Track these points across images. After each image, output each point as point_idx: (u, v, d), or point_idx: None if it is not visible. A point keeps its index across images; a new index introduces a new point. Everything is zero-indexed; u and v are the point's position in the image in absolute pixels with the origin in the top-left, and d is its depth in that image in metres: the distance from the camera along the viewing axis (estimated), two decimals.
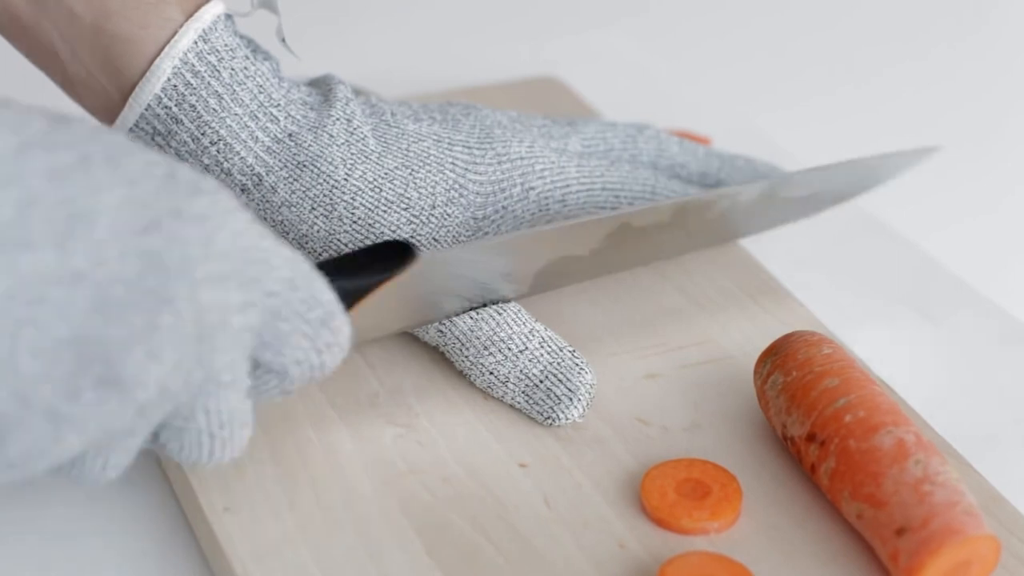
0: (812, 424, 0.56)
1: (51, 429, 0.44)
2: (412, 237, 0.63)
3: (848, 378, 0.56)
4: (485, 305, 0.62)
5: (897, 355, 0.67)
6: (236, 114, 0.62)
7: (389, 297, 0.56)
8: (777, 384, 0.58)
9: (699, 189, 0.71)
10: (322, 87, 0.66)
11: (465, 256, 0.60)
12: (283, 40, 0.66)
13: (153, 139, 0.62)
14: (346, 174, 0.63)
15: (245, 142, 0.62)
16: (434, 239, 0.63)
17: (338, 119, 0.64)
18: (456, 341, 0.62)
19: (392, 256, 0.56)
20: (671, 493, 0.56)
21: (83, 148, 0.46)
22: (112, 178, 0.46)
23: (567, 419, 0.60)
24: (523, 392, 0.61)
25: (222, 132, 0.62)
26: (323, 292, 0.52)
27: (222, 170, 0.62)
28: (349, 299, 0.55)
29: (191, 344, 0.47)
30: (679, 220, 0.65)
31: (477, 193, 0.65)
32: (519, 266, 0.62)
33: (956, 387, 0.66)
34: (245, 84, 0.62)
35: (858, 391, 0.56)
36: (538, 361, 0.61)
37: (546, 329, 0.62)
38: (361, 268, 0.56)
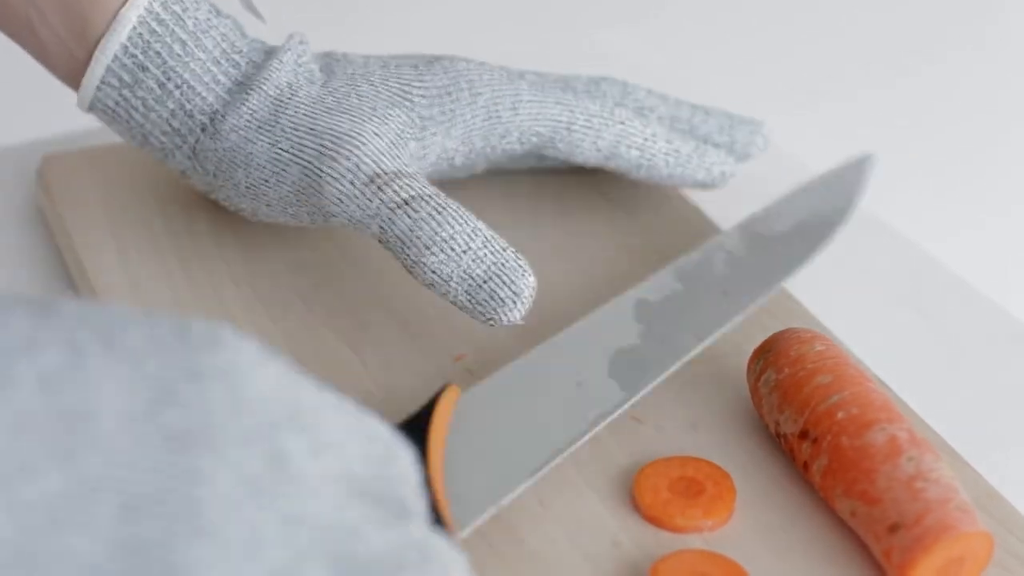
0: (805, 421, 0.55)
1: None
2: (351, 132, 0.63)
3: (841, 375, 0.56)
4: None
5: (896, 355, 0.67)
6: (199, 59, 0.64)
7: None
8: (770, 381, 0.58)
9: (666, 126, 0.71)
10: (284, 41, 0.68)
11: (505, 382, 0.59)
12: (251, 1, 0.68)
13: (120, 92, 0.64)
14: (291, 94, 0.65)
15: (208, 84, 0.65)
16: (375, 134, 0.64)
17: (288, 50, 0.66)
18: (397, 239, 0.61)
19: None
20: (664, 491, 0.56)
21: (72, 338, 0.41)
22: (108, 363, 0.41)
23: (509, 321, 0.60)
24: (466, 292, 0.60)
25: (186, 76, 0.64)
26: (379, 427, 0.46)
27: (184, 112, 0.65)
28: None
29: (246, 505, 0.40)
30: (690, 287, 0.65)
31: (422, 97, 0.66)
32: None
33: (955, 386, 0.66)
34: (208, 32, 0.65)
35: (851, 388, 0.55)
36: (481, 261, 0.60)
37: (488, 228, 0.62)
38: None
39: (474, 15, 1.05)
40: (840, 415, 0.55)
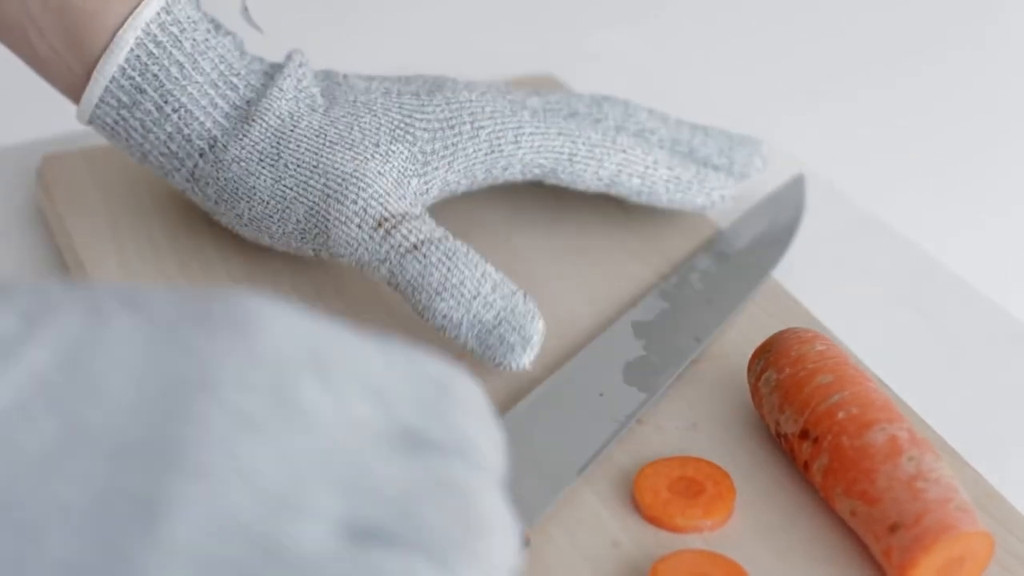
0: (805, 421, 0.55)
1: None
2: (355, 173, 0.63)
3: (841, 375, 0.56)
4: None
5: (896, 355, 0.67)
6: (197, 82, 0.64)
7: None
8: (770, 381, 0.58)
9: (667, 151, 0.72)
10: (284, 61, 0.67)
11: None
12: (245, 9, 0.67)
13: (119, 112, 0.64)
14: (292, 125, 0.64)
15: (205, 108, 0.64)
16: (379, 173, 0.63)
17: (288, 76, 0.65)
18: (408, 284, 0.61)
19: None
20: (664, 491, 0.56)
21: (96, 305, 0.41)
22: (129, 321, 0.40)
23: (518, 367, 0.60)
24: (476, 337, 0.61)
25: (183, 99, 0.64)
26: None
27: (182, 136, 0.64)
28: None
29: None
30: (676, 312, 0.66)
31: (424, 130, 0.66)
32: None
33: (955, 387, 0.66)
34: (206, 54, 0.64)
35: (851, 388, 0.55)
36: (491, 306, 0.61)
37: (497, 271, 0.62)
38: None
39: (473, 16, 1.05)
40: (840, 415, 0.55)
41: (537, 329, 0.61)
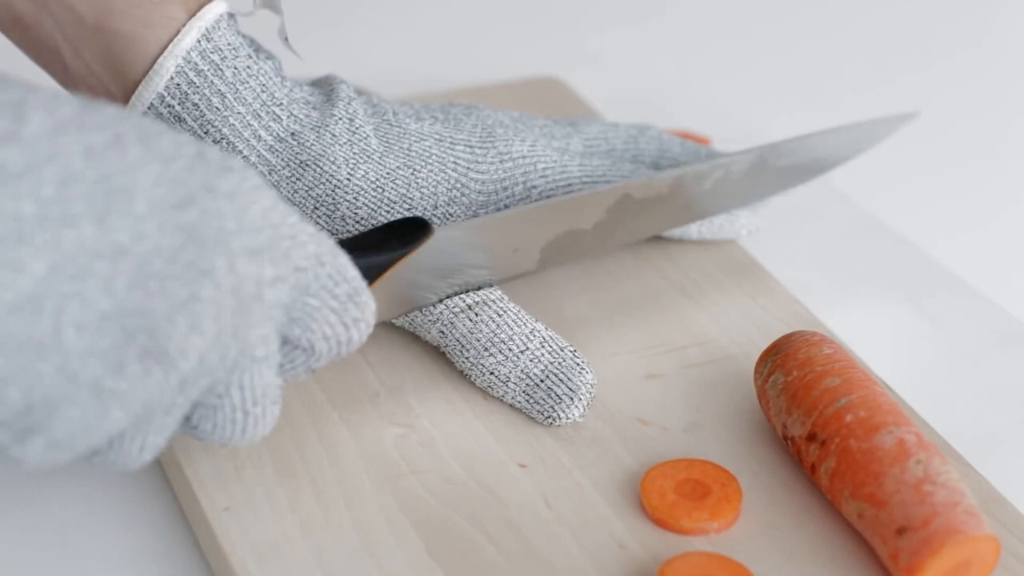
0: (813, 424, 0.56)
1: (97, 404, 0.45)
2: None
3: (849, 378, 0.56)
4: (491, 286, 0.63)
5: (897, 355, 0.67)
6: (239, 112, 0.62)
7: (406, 272, 0.58)
8: (778, 384, 0.58)
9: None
10: (324, 87, 0.66)
11: (476, 229, 0.61)
12: (286, 39, 0.66)
13: None
14: (348, 174, 0.63)
15: (248, 141, 0.62)
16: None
17: (340, 118, 0.64)
18: (457, 342, 0.62)
19: (408, 233, 0.58)
20: (671, 493, 0.56)
21: (115, 128, 0.46)
22: (145, 156, 0.46)
23: (568, 419, 0.60)
24: (524, 392, 0.61)
25: (225, 131, 0.62)
26: (348, 268, 0.53)
27: None
28: (370, 276, 0.56)
29: (229, 316, 0.48)
30: (677, 191, 0.66)
31: (479, 192, 0.65)
32: (527, 240, 0.63)
33: (957, 388, 0.66)
34: (248, 83, 0.62)
35: (859, 391, 0.56)
36: (539, 361, 0.61)
37: (547, 329, 0.62)
38: (378, 246, 0.58)
39: (474, 17, 1.05)
40: (848, 418, 0.55)
41: (585, 381, 0.60)
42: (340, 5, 1.02)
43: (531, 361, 0.61)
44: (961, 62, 1.14)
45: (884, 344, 0.67)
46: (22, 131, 0.44)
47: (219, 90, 0.62)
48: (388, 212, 0.63)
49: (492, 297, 0.62)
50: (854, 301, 0.71)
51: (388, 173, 0.64)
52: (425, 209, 0.64)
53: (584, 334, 0.65)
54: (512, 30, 1.02)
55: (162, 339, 0.45)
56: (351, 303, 0.53)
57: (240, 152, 0.62)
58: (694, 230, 0.71)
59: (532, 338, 0.62)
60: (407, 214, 0.63)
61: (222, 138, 0.62)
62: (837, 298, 0.70)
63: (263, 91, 0.63)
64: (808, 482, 0.57)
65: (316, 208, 0.63)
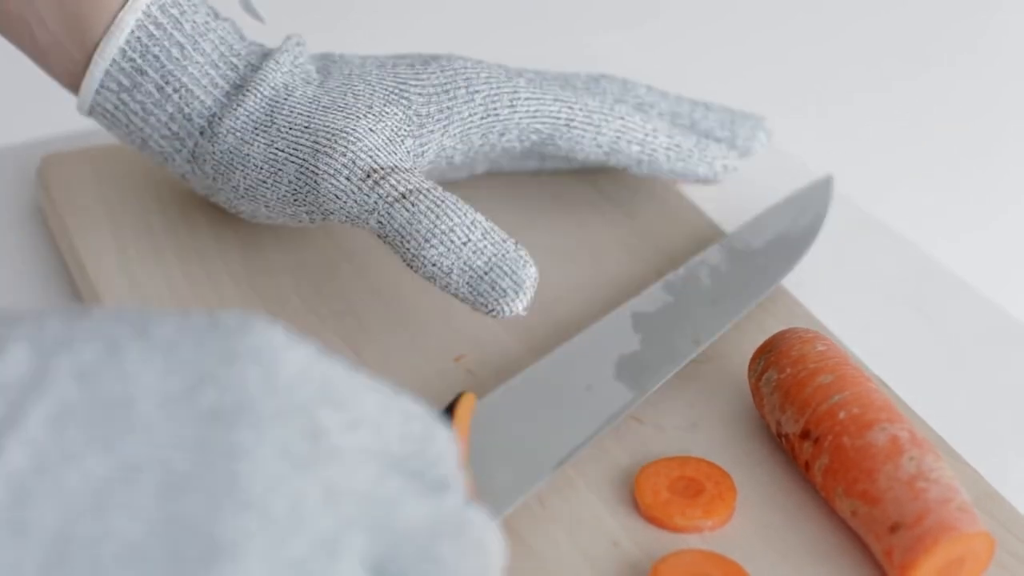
0: (806, 421, 0.55)
1: None
2: (345, 128, 0.63)
3: (842, 375, 0.56)
4: None
5: (896, 355, 0.67)
6: (198, 62, 0.65)
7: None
8: (771, 381, 0.58)
9: (667, 122, 0.72)
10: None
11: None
12: (249, 3, 0.68)
13: (119, 96, 0.64)
14: (286, 95, 0.65)
15: (206, 87, 0.65)
16: (370, 129, 0.63)
17: (285, 51, 0.66)
18: (396, 233, 0.61)
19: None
20: (665, 491, 0.56)
21: (108, 332, 0.41)
22: (145, 352, 0.41)
23: (511, 312, 0.59)
24: (467, 283, 0.60)
25: (184, 79, 0.64)
26: (441, 431, 0.45)
27: (183, 116, 0.65)
28: None
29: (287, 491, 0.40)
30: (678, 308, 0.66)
31: (419, 94, 0.66)
32: None
33: (955, 387, 0.66)
34: (207, 36, 0.65)
35: (852, 388, 0.55)
36: (482, 253, 0.60)
37: (487, 219, 0.61)
38: None
39: (471, 19, 1.05)
40: (841, 415, 0.55)
41: (529, 274, 0.60)
42: (339, 5, 1.03)
43: (473, 253, 0.60)
44: (961, 62, 1.14)
45: (883, 343, 0.67)
46: (4, 374, 0.40)
47: (178, 41, 0.64)
48: (322, 115, 0.64)
49: (426, 185, 0.62)
50: (853, 300, 0.71)
51: (326, 91, 0.65)
52: (358, 108, 0.64)
53: (578, 331, 0.65)
54: (508, 31, 1.02)
55: (214, 533, 0.39)
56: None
57: (198, 98, 0.65)
58: (663, 161, 0.70)
59: (474, 229, 0.60)
60: (339, 114, 0.64)
61: (181, 86, 0.64)
62: (836, 297, 0.70)
63: (221, 43, 0.65)
64: (802, 480, 0.57)
65: (255, 129, 0.64)
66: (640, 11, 1.07)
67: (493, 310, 0.60)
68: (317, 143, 0.63)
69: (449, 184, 0.73)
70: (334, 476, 0.40)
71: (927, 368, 0.67)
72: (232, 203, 0.67)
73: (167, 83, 0.64)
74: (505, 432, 0.56)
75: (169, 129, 0.65)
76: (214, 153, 0.65)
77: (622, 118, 0.69)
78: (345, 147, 0.62)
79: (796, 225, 0.72)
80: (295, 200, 0.64)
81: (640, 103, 0.72)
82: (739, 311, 0.65)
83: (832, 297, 0.70)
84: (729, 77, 1.00)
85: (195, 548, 0.39)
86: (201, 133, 0.65)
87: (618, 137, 0.69)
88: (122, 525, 0.39)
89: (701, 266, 0.68)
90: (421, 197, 0.61)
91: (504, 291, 0.59)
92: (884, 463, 0.53)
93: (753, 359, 0.59)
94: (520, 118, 0.67)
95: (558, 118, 0.68)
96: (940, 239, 0.81)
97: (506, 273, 0.60)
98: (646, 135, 0.70)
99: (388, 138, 0.64)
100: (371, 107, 0.64)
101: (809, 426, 0.55)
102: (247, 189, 0.65)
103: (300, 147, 0.63)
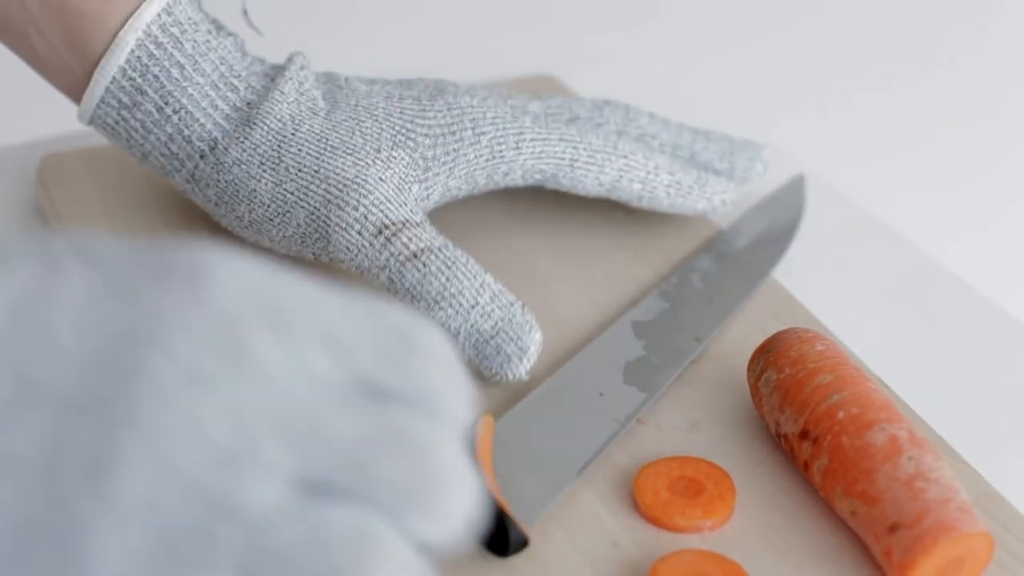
0: (805, 421, 0.55)
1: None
2: (357, 179, 0.63)
3: (841, 375, 0.56)
4: None
5: (896, 355, 0.67)
6: (198, 83, 0.64)
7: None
8: (770, 381, 0.58)
9: (668, 155, 0.72)
10: (285, 63, 0.67)
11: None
12: (245, 12, 0.67)
13: (119, 112, 0.64)
14: (294, 129, 0.64)
15: (205, 110, 0.64)
16: (380, 179, 0.63)
17: (290, 79, 0.65)
18: (407, 293, 0.61)
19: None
20: (664, 491, 0.56)
21: (52, 257, 0.39)
22: (85, 274, 0.39)
23: (514, 377, 0.60)
24: (473, 346, 0.61)
25: (183, 101, 0.64)
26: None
27: (183, 137, 0.64)
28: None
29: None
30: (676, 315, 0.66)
31: (426, 136, 0.66)
32: None
33: (955, 387, 0.66)
34: (207, 56, 0.64)
35: (851, 388, 0.55)
36: (489, 316, 0.61)
37: (496, 281, 0.62)
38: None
39: (471, 19, 1.05)
40: (840, 415, 0.55)
41: (534, 340, 0.61)
42: (338, 5, 1.03)
43: (481, 317, 0.61)
44: (961, 63, 1.14)
45: (882, 343, 0.67)
46: None
47: (178, 62, 0.64)
48: (331, 157, 0.64)
49: (437, 243, 0.62)
50: (853, 300, 0.71)
51: (333, 126, 0.65)
52: (367, 153, 0.64)
53: (581, 331, 0.65)
54: (509, 30, 1.02)
55: (99, 451, 0.37)
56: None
57: (197, 120, 0.64)
58: (663, 197, 0.70)
59: (482, 292, 0.61)
60: (349, 158, 0.64)
61: (181, 108, 0.64)
62: (835, 297, 0.70)
63: (222, 63, 0.65)
64: (801, 480, 0.57)
65: (262, 164, 0.64)
66: (640, 11, 1.07)
67: (496, 374, 0.60)
68: (328, 192, 0.63)
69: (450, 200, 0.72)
70: (250, 395, 0.39)
71: (927, 368, 0.67)
72: (235, 230, 0.67)
73: (167, 103, 0.64)
74: (527, 446, 0.57)
75: (168, 149, 0.65)
76: (219, 182, 0.65)
77: (625, 157, 0.69)
78: (357, 200, 0.62)
79: (776, 223, 0.73)
80: (303, 242, 0.64)
81: (642, 134, 0.72)
82: (735, 307, 0.67)
83: (832, 297, 0.70)
84: (729, 77, 1.00)
85: (79, 464, 0.37)
86: (201, 157, 0.65)
87: (620, 176, 0.69)
88: (12, 443, 0.37)
89: (691, 271, 0.69)
90: (432, 257, 0.61)
91: (508, 357, 0.60)
92: (883, 463, 0.53)
93: (752, 359, 0.60)
94: (525, 159, 0.68)
95: (562, 159, 0.68)
96: (940, 239, 0.81)
97: (511, 339, 0.60)
98: (647, 173, 0.70)
99: (397, 187, 0.64)
100: (379, 151, 0.64)
101: (808, 426, 0.55)
102: (252, 222, 0.65)
103: (311, 193, 0.63)
